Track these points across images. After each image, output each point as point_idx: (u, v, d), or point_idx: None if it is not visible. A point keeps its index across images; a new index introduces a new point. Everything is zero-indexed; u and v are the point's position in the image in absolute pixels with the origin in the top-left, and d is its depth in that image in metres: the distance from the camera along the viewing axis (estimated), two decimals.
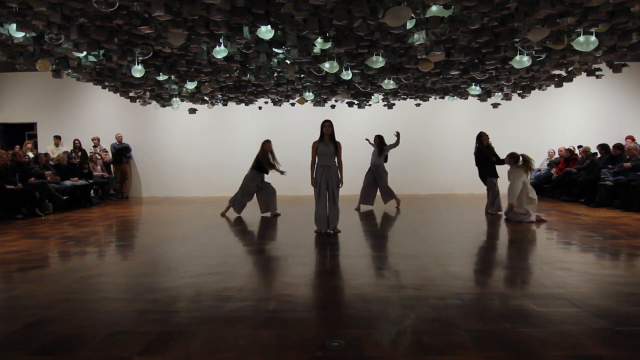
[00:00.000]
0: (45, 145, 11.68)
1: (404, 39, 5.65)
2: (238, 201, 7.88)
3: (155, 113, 11.97)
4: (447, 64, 6.95)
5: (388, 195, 8.70)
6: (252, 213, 8.05)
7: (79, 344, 2.48)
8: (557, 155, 11.06)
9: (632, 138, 10.52)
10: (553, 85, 8.82)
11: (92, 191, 10.40)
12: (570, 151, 10.50)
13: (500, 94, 9.55)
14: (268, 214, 7.86)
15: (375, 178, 8.64)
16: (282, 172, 7.79)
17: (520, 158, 6.91)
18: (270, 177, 8.19)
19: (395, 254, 4.76)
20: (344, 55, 6.44)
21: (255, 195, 7.95)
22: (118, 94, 9.35)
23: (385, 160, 8.74)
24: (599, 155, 9.41)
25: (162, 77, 7.53)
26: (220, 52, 5.79)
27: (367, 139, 9.07)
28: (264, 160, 7.70)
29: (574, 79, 8.29)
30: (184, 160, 12.23)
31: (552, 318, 2.78)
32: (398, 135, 8.61)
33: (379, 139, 8.66)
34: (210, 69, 6.95)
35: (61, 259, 4.74)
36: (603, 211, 7.82)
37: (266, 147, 7.76)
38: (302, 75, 7.80)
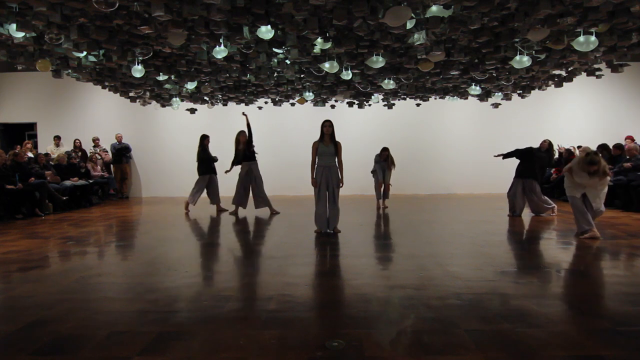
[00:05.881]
0: (45, 145, 11.68)
1: (404, 39, 5.65)
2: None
3: (155, 113, 11.98)
4: (447, 64, 6.95)
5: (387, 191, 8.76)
6: (252, 213, 8.05)
7: (79, 344, 2.48)
8: (556, 155, 11.04)
9: (631, 138, 10.52)
10: (553, 85, 8.82)
11: (91, 194, 10.40)
12: (569, 151, 10.49)
13: (500, 94, 9.55)
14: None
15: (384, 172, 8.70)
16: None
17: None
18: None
19: (395, 254, 4.75)
20: (344, 55, 6.44)
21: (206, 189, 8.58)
22: (118, 94, 9.36)
23: None
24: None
25: (162, 77, 7.53)
26: (220, 52, 5.79)
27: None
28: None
29: (574, 79, 8.29)
30: (184, 160, 12.19)
31: (552, 318, 2.78)
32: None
33: (387, 151, 8.64)
34: (210, 69, 6.95)
35: (61, 259, 4.74)
36: None
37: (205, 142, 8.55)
38: (302, 75, 7.80)
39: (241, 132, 8.17)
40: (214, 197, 8.53)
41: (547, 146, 8.64)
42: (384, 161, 8.62)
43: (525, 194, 7.36)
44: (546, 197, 7.45)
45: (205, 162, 8.49)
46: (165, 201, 10.97)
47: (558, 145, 8.37)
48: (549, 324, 2.69)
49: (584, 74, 8.20)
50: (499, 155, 7.82)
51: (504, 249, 5.08)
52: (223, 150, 12.13)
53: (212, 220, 7.46)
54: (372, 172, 8.80)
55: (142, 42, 5.77)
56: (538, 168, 7.28)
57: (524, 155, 7.46)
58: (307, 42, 5.80)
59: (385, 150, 8.62)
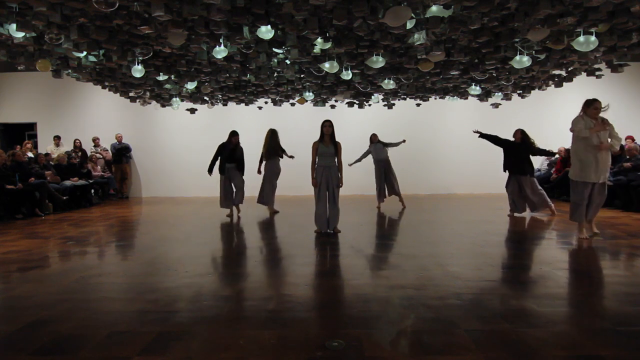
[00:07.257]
0: (45, 145, 11.67)
1: (404, 39, 5.65)
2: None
3: (155, 113, 11.97)
4: (447, 64, 6.95)
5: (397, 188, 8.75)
6: (252, 213, 8.05)
7: (79, 344, 2.48)
8: (556, 155, 11.04)
9: (632, 138, 10.51)
10: (553, 85, 8.82)
11: (92, 191, 10.40)
12: (568, 151, 10.48)
13: (500, 94, 9.55)
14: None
15: (385, 172, 8.63)
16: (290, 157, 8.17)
17: None
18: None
19: (395, 254, 4.75)
20: (344, 55, 6.44)
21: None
22: (118, 94, 9.35)
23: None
24: None
25: (162, 77, 7.53)
26: (220, 52, 5.79)
27: (402, 141, 8.92)
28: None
29: (574, 79, 8.29)
30: (184, 160, 12.22)
31: (552, 318, 2.78)
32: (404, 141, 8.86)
33: (377, 136, 8.74)
34: (210, 69, 6.95)
35: (61, 259, 4.74)
36: (603, 211, 7.79)
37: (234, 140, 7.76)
38: (302, 75, 7.80)
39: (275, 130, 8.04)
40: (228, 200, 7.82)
41: (520, 136, 7.46)
42: (377, 142, 8.63)
43: (522, 191, 7.34)
44: (543, 192, 7.39)
45: (222, 161, 7.74)
46: (165, 201, 10.97)
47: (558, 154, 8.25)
48: (549, 324, 2.69)
49: (584, 74, 8.20)
50: (477, 132, 7.51)
51: (504, 249, 5.09)
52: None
53: (213, 221, 7.45)
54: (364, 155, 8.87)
55: (142, 42, 5.77)
56: (519, 162, 7.23)
57: (505, 148, 7.37)
58: (307, 42, 5.80)
59: (374, 134, 8.74)
